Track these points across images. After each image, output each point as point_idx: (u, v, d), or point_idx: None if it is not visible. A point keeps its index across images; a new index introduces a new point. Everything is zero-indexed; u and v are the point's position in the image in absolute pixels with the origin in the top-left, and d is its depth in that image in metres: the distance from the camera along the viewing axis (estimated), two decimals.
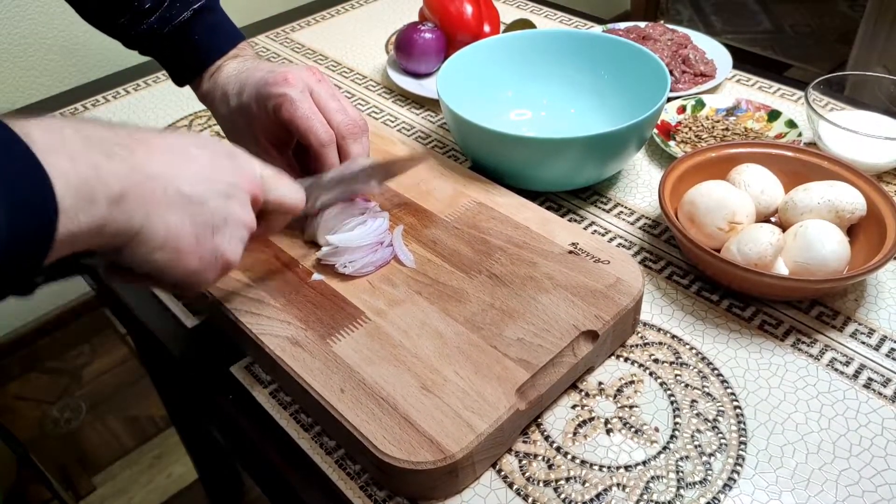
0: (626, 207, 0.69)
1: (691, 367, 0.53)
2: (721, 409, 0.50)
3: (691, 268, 0.61)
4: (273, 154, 0.58)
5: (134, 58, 1.02)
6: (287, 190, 0.48)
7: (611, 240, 0.65)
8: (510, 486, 0.46)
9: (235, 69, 0.60)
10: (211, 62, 0.61)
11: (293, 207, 0.49)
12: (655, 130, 0.74)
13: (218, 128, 0.78)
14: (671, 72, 0.83)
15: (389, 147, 0.70)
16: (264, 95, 0.55)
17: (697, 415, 0.49)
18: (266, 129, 0.57)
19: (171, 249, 0.39)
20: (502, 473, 0.47)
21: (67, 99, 0.92)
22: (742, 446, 0.47)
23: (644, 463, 0.47)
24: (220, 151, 0.44)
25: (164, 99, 0.91)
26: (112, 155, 0.35)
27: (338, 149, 0.57)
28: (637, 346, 0.55)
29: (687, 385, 0.51)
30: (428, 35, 0.88)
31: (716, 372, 0.52)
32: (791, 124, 0.75)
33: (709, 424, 0.49)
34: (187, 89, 0.64)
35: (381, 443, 0.43)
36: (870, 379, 0.52)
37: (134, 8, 0.59)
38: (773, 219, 0.63)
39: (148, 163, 0.38)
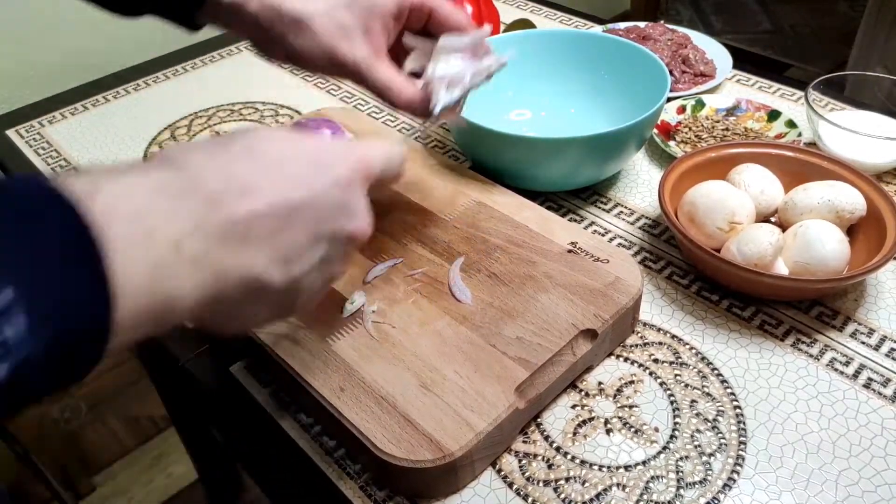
0: (625, 207, 0.69)
1: (691, 367, 0.53)
2: (721, 409, 0.50)
3: (691, 268, 0.61)
4: (381, 47, 0.50)
5: (133, 58, 1.02)
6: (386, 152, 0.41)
7: (611, 240, 0.65)
8: (510, 485, 0.46)
9: None
10: None
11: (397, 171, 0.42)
12: (655, 130, 0.74)
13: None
14: (671, 72, 0.83)
15: None
16: None
17: (697, 415, 0.49)
18: (389, 21, 0.50)
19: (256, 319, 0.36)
20: (502, 473, 0.47)
21: (67, 99, 0.92)
22: (742, 446, 0.47)
23: (644, 463, 0.47)
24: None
25: (164, 99, 0.91)
26: (197, 260, 0.29)
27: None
28: (637, 345, 0.55)
29: (687, 385, 0.51)
30: None
31: (716, 372, 0.52)
32: (791, 124, 0.74)
33: (709, 424, 0.49)
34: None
35: (381, 441, 0.43)
36: (870, 379, 0.51)
37: None
38: (773, 219, 0.62)
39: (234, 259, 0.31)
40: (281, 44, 0.49)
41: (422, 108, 0.50)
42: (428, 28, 0.51)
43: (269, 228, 0.32)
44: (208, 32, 1.20)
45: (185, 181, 0.30)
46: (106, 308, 0.25)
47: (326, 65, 0.49)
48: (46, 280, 0.23)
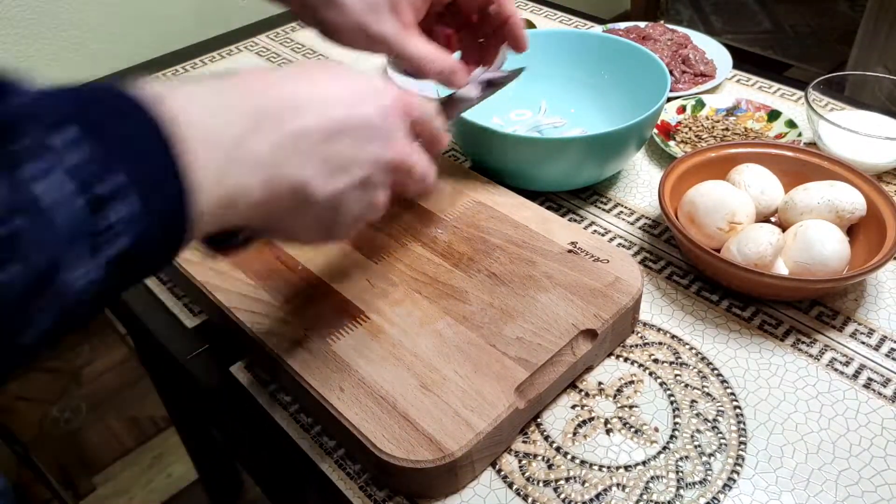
0: (625, 207, 0.69)
1: (691, 367, 0.53)
2: (721, 409, 0.50)
3: (691, 268, 0.61)
4: (411, 26, 0.52)
5: (133, 58, 1.02)
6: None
7: (611, 240, 0.65)
8: (510, 485, 0.46)
9: None
10: None
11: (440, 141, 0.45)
12: (655, 130, 0.74)
13: None
14: (671, 72, 0.83)
15: None
16: None
17: (697, 415, 0.49)
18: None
19: (311, 234, 0.39)
20: (502, 473, 0.47)
21: None
22: (742, 446, 0.47)
23: (644, 463, 0.47)
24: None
25: None
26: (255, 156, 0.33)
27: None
28: (637, 346, 0.55)
29: (687, 385, 0.51)
30: None
31: (716, 372, 0.52)
32: (791, 124, 0.74)
33: (709, 424, 0.49)
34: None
35: (381, 441, 0.43)
36: (870, 379, 0.51)
37: None
38: (773, 219, 0.62)
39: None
40: (314, 17, 0.50)
41: (455, 78, 0.53)
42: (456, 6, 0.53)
43: (316, 144, 0.36)
44: (208, 32, 1.20)
45: (245, 93, 0.34)
46: (190, 196, 0.29)
47: (359, 39, 0.50)
48: (147, 170, 0.27)
